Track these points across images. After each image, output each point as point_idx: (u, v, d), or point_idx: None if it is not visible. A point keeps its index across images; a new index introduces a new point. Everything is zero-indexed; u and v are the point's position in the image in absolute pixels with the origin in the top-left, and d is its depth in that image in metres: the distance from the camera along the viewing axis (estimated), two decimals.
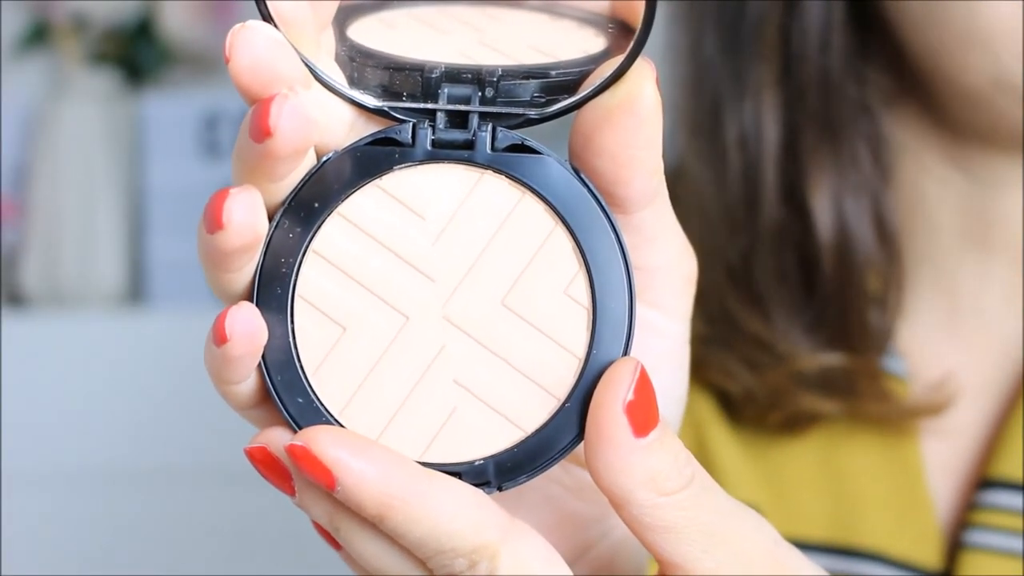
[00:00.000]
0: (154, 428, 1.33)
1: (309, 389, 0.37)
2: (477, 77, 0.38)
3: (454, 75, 0.38)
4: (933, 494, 0.63)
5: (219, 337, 0.36)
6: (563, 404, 0.37)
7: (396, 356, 0.37)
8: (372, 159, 0.38)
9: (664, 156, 0.38)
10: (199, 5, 1.53)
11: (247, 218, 0.36)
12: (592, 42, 0.39)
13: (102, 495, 1.34)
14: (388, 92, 0.38)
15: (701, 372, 0.64)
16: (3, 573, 1.31)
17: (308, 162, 0.38)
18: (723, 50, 0.65)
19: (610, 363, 0.37)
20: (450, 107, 0.38)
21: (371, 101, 0.38)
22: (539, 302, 0.37)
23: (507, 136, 0.38)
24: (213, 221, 0.36)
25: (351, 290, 0.37)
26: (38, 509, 1.33)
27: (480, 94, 0.38)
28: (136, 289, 1.48)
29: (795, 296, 0.64)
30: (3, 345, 1.33)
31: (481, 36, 0.39)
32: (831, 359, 0.63)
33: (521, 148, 0.38)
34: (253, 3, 0.37)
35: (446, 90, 0.38)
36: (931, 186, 0.65)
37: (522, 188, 0.38)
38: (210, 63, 1.54)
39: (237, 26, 0.36)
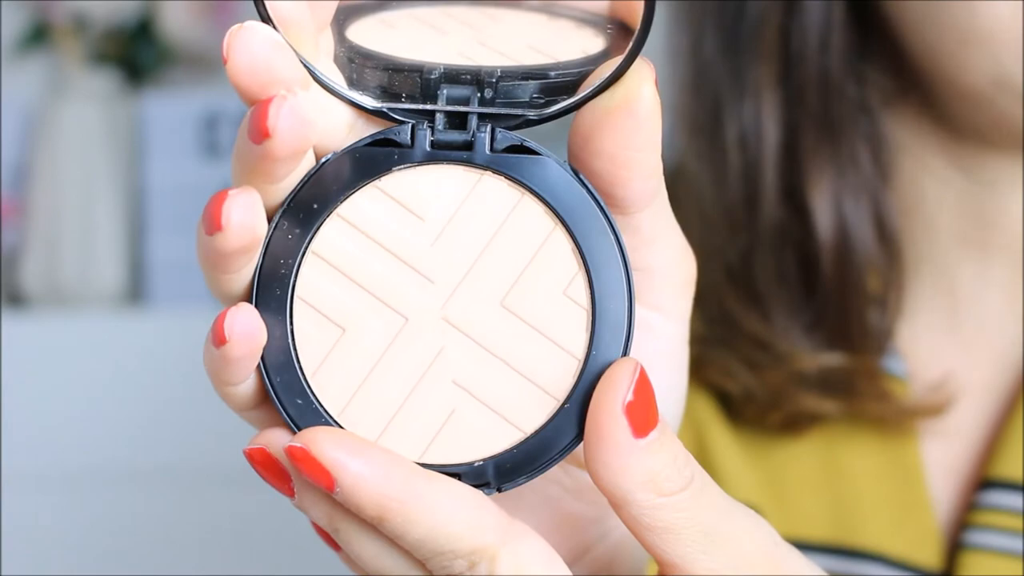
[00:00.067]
0: (154, 428, 1.33)
1: (308, 390, 0.37)
2: (476, 78, 0.38)
3: (453, 76, 0.38)
4: (933, 494, 0.63)
5: (218, 338, 0.36)
6: (562, 405, 0.37)
7: (395, 357, 0.37)
8: (371, 160, 0.38)
9: (663, 157, 0.38)
10: (199, 5, 1.53)
11: (246, 219, 0.36)
12: (591, 43, 0.39)
13: (102, 495, 1.34)
14: (387, 93, 0.38)
15: (701, 372, 0.64)
16: (3, 573, 1.31)
17: (307, 163, 0.37)
18: (723, 50, 0.65)
19: (609, 364, 0.37)
20: (449, 108, 0.38)
21: (370, 102, 0.38)
22: (538, 303, 0.37)
23: (506, 137, 0.38)
24: (212, 222, 0.36)
25: (350, 291, 0.37)
26: (38, 509, 1.33)
27: (479, 95, 0.38)
28: (136, 289, 1.48)
29: (795, 296, 0.64)
30: (3, 345, 1.33)
31: (480, 37, 0.39)
32: (831, 359, 0.63)
33: (520, 149, 0.38)
34: (252, 3, 0.37)
35: (445, 91, 0.38)
36: (931, 186, 0.65)
37: (521, 189, 0.38)
38: (210, 63, 1.54)
39: (235, 27, 0.36)
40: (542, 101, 0.38)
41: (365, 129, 0.38)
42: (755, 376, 0.63)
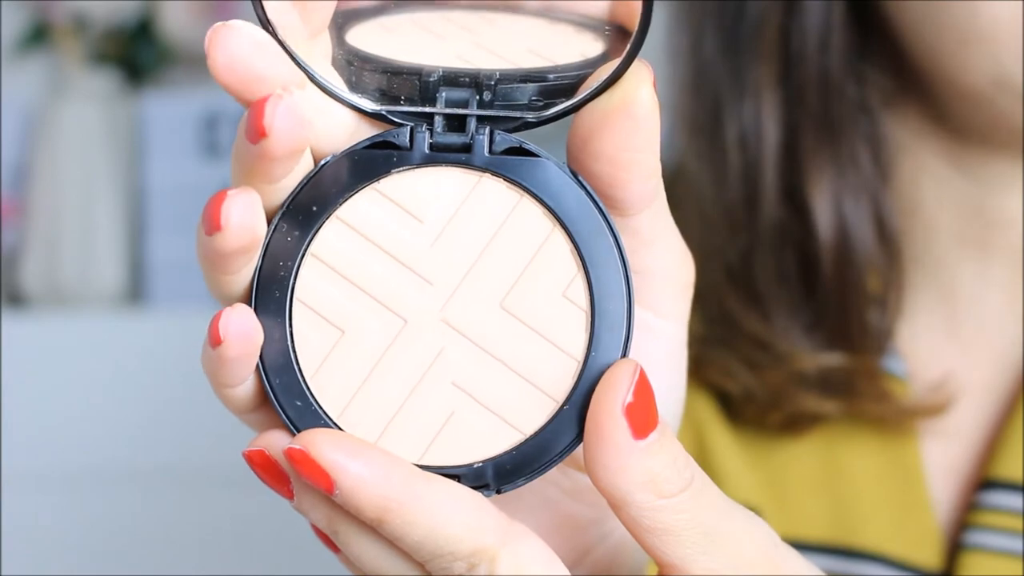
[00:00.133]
0: (154, 428, 1.33)
1: (307, 392, 0.37)
2: (475, 81, 0.38)
3: (452, 79, 0.38)
4: (933, 495, 0.63)
5: (214, 338, 0.36)
6: (562, 406, 0.37)
7: (394, 359, 0.37)
8: (370, 162, 0.38)
9: (663, 158, 0.38)
10: (199, 5, 1.53)
11: (245, 219, 0.36)
12: (589, 45, 0.39)
13: (102, 495, 1.34)
14: (386, 96, 0.38)
15: (701, 372, 0.64)
16: (3, 573, 1.31)
17: (306, 165, 0.37)
18: (723, 50, 0.65)
19: (609, 365, 0.37)
20: (448, 111, 0.38)
21: (369, 105, 0.38)
22: (537, 304, 0.37)
23: (505, 139, 0.38)
24: (211, 222, 0.36)
25: (349, 293, 0.37)
26: (38, 509, 1.33)
27: (478, 98, 0.38)
28: (136, 289, 1.48)
29: (795, 296, 0.64)
30: (3, 345, 1.33)
31: (479, 40, 0.39)
32: (831, 359, 0.63)
33: (519, 151, 0.38)
34: (252, 4, 0.37)
35: (444, 94, 0.38)
36: (931, 186, 0.65)
37: (520, 191, 0.38)
38: None
39: (217, 24, 0.36)
40: (541, 103, 0.38)
41: (364, 132, 0.38)
42: (755, 376, 0.63)
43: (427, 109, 0.38)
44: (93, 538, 1.33)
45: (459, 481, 0.37)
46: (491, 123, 0.38)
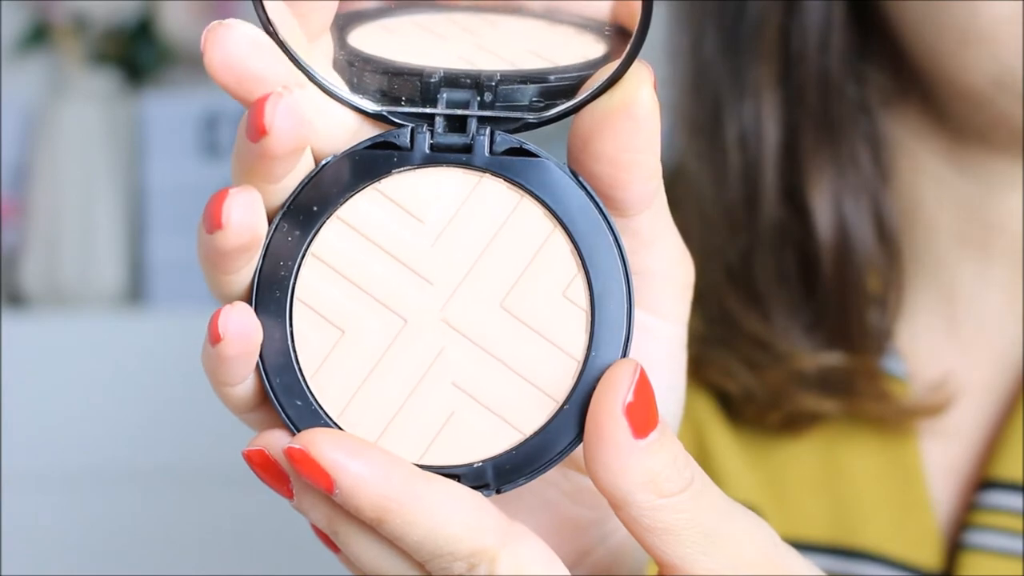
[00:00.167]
0: (154, 428, 1.33)
1: (308, 392, 0.37)
2: (476, 81, 0.38)
3: (453, 80, 0.38)
4: (933, 495, 0.63)
5: (213, 336, 0.36)
6: (562, 406, 0.37)
7: (395, 359, 0.37)
8: (371, 162, 0.38)
9: (663, 159, 0.38)
10: (199, 5, 1.53)
11: (246, 218, 0.36)
12: (590, 46, 0.39)
13: (102, 495, 1.34)
14: (387, 96, 0.38)
15: (701, 372, 0.64)
16: (3, 573, 1.31)
17: (306, 165, 0.38)
18: (723, 50, 0.65)
19: (609, 365, 0.37)
20: (449, 111, 0.38)
21: (370, 106, 0.38)
22: (537, 305, 0.37)
23: (505, 140, 0.38)
24: (212, 221, 0.36)
25: (350, 293, 0.37)
26: (38, 509, 1.33)
27: (479, 98, 0.38)
28: (136, 289, 1.48)
29: (795, 296, 0.64)
30: (3, 345, 1.33)
31: (479, 41, 0.39)
32: (830, 359, 0.63)
33: (519, 152, 0.38)
34: (252, 5, 0.37)
35: (445, 94, 0.38)
36: (930, 186, 0.65)
37: (520, 191, 0.38)
38: None
39: (213, 23, 0.36)
40: (541, 104, 0.38)
41: (365, 132, 0.38)
42: (755, 376, 0.63)
43: (428, 110, 0.38)
44: (93, 538, 1.33)
45: (459, 481, 0.37)
46: (492, 124, 0.38)
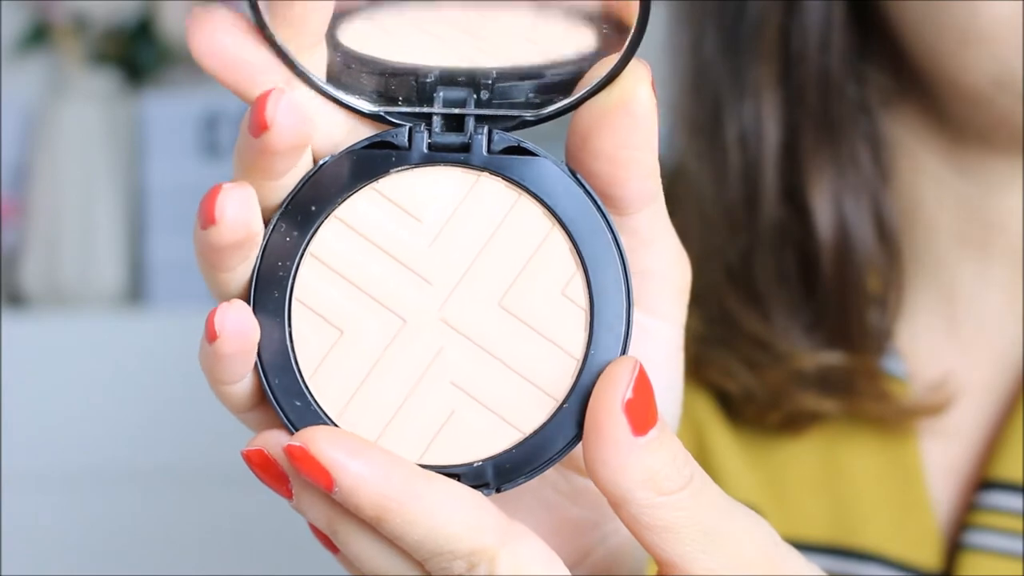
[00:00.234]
0: (154, 428, 1.33)
1: (307, 392, 0.37)
2: (472, 80, 0.38)
3: (449, 78, 0.38)
4: (933, 495, 0.63)
5: (210, 334, 0.36)
6: (561, 405, 0.37)
7: (393, 359, 0.37)
8: (369, 162, 0.38)
9: (661, 157, 0.38)
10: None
11: (240, 214, 0.36)
12: (587, 44, 0.39)
13: (102, 495, 1.34)
14: (384, 97, 0.38)
15: (700, 372, 0.64)
16: (3, 573, 1.31)
17: (306, 164, 0.37)
18: (723, 50, 0.65)
19: (608, 363, 0.37)
20: (446, 110, 0.38)
21: (367, 106, 0.38)
22: (536, 303, 0.37)
23: (503, 138, 0.38)
24: (206, 216, 0.36)
25: (348, 293, 0.37)
26: (38, 509, 1.33)
27: (476, 97, 0.38)
28: (136, 289, 1.48)
29: (794, 296, 0.64)
30: (3, 345, 1.33)
31: (476, 39, 0.39)
32: (830, 359, 0.63)
33: (517, 150, 0.38)
34: (249, 9, 0.37)
35: (441, 93, 0.38)
36: (930, 186, 0.65)
37: (518, 190, 0.38)
38: None
39: (196, 9, 0.36)
40: (538, 102, 0.38)
41: (363, 132, 0.38)
42: (755, 376, 0.63)
43: (425, 109, 0.38)
44: (93, 538, 1.33)
45: (459, 480, 0.37)
46: (489, 122, 0.38)
